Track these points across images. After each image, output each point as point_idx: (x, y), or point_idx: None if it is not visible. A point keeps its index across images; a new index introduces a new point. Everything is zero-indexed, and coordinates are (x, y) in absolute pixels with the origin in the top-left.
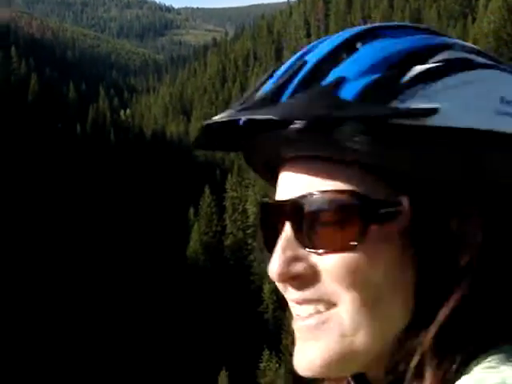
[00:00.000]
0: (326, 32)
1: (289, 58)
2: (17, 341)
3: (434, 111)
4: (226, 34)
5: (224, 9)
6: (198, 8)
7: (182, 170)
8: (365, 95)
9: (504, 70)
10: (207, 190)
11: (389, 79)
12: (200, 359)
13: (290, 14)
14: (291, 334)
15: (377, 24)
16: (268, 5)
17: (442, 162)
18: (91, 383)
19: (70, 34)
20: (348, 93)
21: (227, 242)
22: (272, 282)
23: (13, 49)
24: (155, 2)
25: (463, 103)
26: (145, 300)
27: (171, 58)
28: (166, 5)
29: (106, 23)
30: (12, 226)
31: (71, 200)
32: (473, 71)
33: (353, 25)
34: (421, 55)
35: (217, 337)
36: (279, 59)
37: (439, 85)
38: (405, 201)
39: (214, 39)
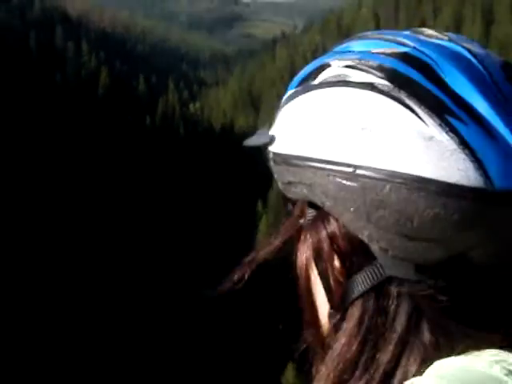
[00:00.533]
0: (396, 25)
1: None
2: (15, 341)
3: (272, 139)
4: (295, 27)
5: (293, 2)
6: (267, 1)
7: (251, 161)
8: None
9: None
10: (275, 182)
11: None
12: (266, 354)
13: (360, 6)
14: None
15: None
16: None
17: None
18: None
19: (141, 27)
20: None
21: None
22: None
23: (83, 42)
24: None
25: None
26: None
27: (240, 50)
28: None
29: (176, 16)
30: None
31: (141, 191)
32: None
33: (423, 18)
34: (309, 76)
35: (287, 329)
36: None
37: (283, 109)
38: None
39: (283, 32)
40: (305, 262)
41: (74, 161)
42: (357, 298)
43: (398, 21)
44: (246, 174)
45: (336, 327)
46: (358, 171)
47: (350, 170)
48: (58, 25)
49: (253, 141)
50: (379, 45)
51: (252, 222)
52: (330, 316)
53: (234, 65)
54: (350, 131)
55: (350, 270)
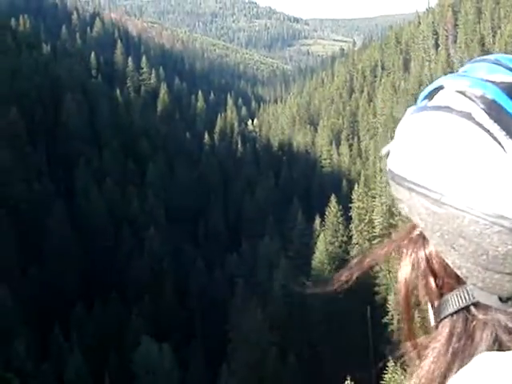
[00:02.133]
0: (455, 42)
1: (416, 69)
2: None
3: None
4: (354, 44)
5: (352, 19)
6: (326, 19)
7: (309, 179)
8: None
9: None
10: (333, 200)
11: None
12: (324, 368)
13: (419, 24)
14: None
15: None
16: (396, 15)
17: None
18: None
19: (200, 45)
20: None
21: (353, 253)
22: (397, 294)
23: (143, 59)
24: (284, 13)
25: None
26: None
27: (299, 68)
28: (295, 15)
29: (235, 33)
30: None
31: (198, 204)
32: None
33: (482, 35)
34: (429, 94)
35: (341, 346)
36: (407, 70)
37: (401, 123)
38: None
39: (342, 49)
40: (406, 277)
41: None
42: (445, 317)
43: (456, 38)
44: (304, 190)
45: (429, 343)
46: (444, 199)
47: (437, 196)
48: (118, 42)
49: (384, 149)
50: (494, 70)
51: (310, 239)
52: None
53: (293, 82)
54: (442, 158)
55: (442, 290)
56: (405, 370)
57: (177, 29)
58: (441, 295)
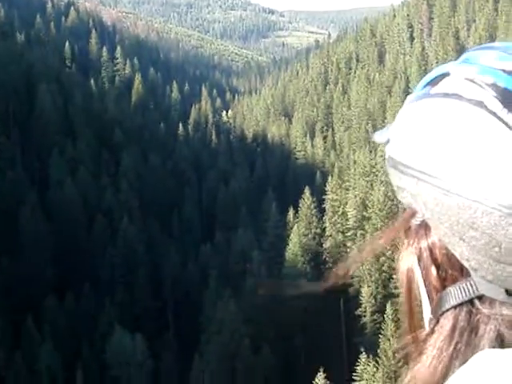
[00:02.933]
0: (430, 35)
1: (391, 62)
2: None
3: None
4: (329, 36)
5: (327, 11)
6: (301, 10)
7: (283, 171)
8: None
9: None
10: (307, 192)
11: None
12: (297, 359)
13: (394, 16)
14: (387, 337)
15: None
16: (371, 8)
17: None
18: None
19: (174, 35)
20: None
21: (326, 245)
22: (370, 286)
23: (118, 49)
24: (259, 4)
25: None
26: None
27: (274, 59)
28: (270, 7)
29: (210, 24)
30: None
31: (173, 196)
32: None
33: (457, 28)
34: (432, 81)
35: (314, 339)
36: (382, 62)
37: (401, 111)
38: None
39: (317, 41)
40: (408, 267)
41: (100, 164)
42: (448, 310)
43: (431, 31)
44: (278, 182)
45: (430, 335)
46: (454, 189)
47: (447, 186)
48: (92, 32)
49: (378, 136)
50: (504, 58)
51: (284, 231)
52: (430, 323)
53: (268, 73)
54: (453, 147)
55: (445, 282)
56: (377, 362)
57: (152, 19)
58: (443, 287)
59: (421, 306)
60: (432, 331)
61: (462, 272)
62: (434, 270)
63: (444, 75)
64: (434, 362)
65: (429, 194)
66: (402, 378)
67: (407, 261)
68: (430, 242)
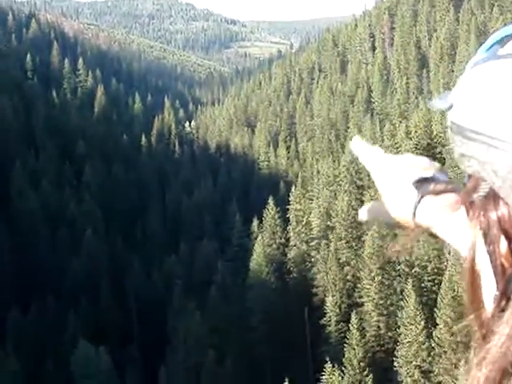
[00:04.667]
0: (391, 45)
1: (353, 71)
2: None
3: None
4: (291, 46)
5: (289, 21)
6: (263, 21)
7: (247, 181)
8: None
9: None
10: (271, 202)
11: None
12: (262, 369)
13: (355, 26)
14: (352, 346)
15: None
16: (333, 18)
17: None
18: None
19: (137, 46)
20: None
21: (291, 254)
22: (334, 295)
23: (80, 60)
24: (221, 15)
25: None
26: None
27: (236, 70)
28: (232, 17)
29: (172, 35)
30: None
31: (135, 208)
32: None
33: (418, 38)
34: (501, 41)
35: (279, 348)
36: (344, 72)
37: (466, 75)
38: None
39: (279, 51)
40: (473, 240)
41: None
42: None
43: (393, 41)
44: (241, 192)
45: (499, 314)
46: None
47: None
48: (54, 43)
49: (435, 103)
50: None
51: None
52: (495, 299)
53: (230, 84)
54: None
55: None
56: (342, 372)
57: (113, 30)
58: None
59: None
60: (502, 309)
61: None
62: (504, 243)
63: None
64: (508, 342)
65: (501, 160)
66: (470, 358)
67: (473, 234)
68: (500, 214)
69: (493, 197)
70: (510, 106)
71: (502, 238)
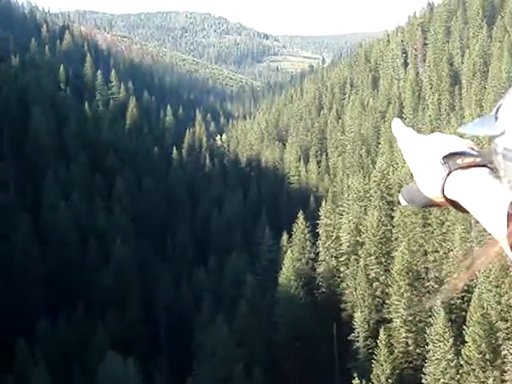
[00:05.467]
0: (424, 61)
1: (385, 87)
2: None
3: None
4: (323, 61)
5: (321, 36)
6: (295, 35)
7: (277, 196)
8: None
9: None
10: (301, 217)
11: None
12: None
13: (388, 42)
14: (380, 363)
15: None
16: (365, 33)
17: None
18: None
19: (169, 59)
20: None
21: (320, 270)
22: (363, 311)
23: (113, 73)
24: (254, 29)
25: None
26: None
27: (268, 84)
28: (265, 32)
29: (205, 49)
30: None
31: (167, 220)
32: None
33: (450, 54)
34: None
35: (306, 363)
36: (376, 87)
37: None
38: None
39: (311, 66)
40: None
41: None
42: None
43: (425, 57)
44: (272, 206)
45: None
46: None
47: None
48: (87, 55)
49: (474, 130)
50: None
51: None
52: None
53: (262, 98)
54: None
55: None
56: None
57: (146, 43)
58: None
59: None
60: None
61: None
62: None
63: None
64: None
65: None
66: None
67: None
68: None
69: None
70: None
71: None
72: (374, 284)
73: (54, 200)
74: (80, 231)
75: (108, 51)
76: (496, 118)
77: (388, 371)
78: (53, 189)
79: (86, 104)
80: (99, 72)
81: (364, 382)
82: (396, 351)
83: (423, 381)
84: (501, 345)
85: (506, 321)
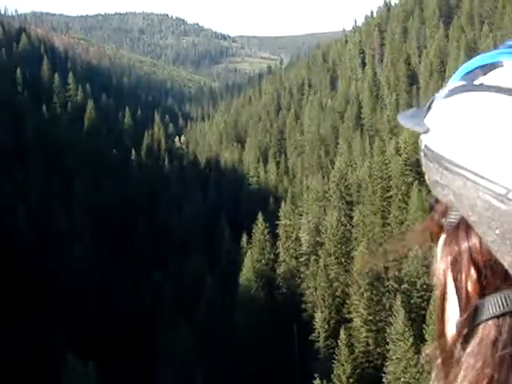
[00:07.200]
0: (381, 61)
1: (343, 87)
2: None
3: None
4: (281, 62)
5: (279, 37)
6: (253, 36)
7: (236, 197)
8: None
9: None
10: (261, 218)
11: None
12: None
13: (346, 42)
14: (341, 362)
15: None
16: (323, 34)
17: None
18: None
19: (127, 61)
20: None
21: (280, 270)
22: (323, 311)
23: (70, 75)
24: (211, 30)
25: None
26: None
27: (226, 85)
28: (222, 33)
29: (163, 50)
30: None
31: (125, 222)
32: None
33: (408, 54)
34: (478, 71)
35: (267, 363)
36: (334, 88)
37: (443, 102)
38: None
39: (269, 67)
40: (443, 267)
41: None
42: (488, 320)
43: (383, 57)
44: (230, 208)
45: (463, 343)
46: (511, 195)
47: (503, 191)
48: (44, 58)
49: (406, 121)
50: None
51: (237, 257)
52: (457, 325)
53: (220, 99)
54: (511, 149)
55: (485, 288)
56: None
57: (104, 45)
58: (482, 294)
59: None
60: (466, 340)
61: (506, 281)
62: (474, 275)
63: (495, 65)
64: (474, 373)
65: (479, 196)
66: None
67: (445, 262)
68: (471, 245)
69: (464, 226)
70: (493, 142)
71: (472, 268)
72: (334, 284)
73: (11, 203)
74: (38, 233)
75: (65, 53)
76: (427, 113)
77: (349, 371)
78: (10, 191)
79: (44, 107)
80: (56, 74)
81: (325, 382)
82: (357, 351)
83: (384, 380)
84: None
85: None
